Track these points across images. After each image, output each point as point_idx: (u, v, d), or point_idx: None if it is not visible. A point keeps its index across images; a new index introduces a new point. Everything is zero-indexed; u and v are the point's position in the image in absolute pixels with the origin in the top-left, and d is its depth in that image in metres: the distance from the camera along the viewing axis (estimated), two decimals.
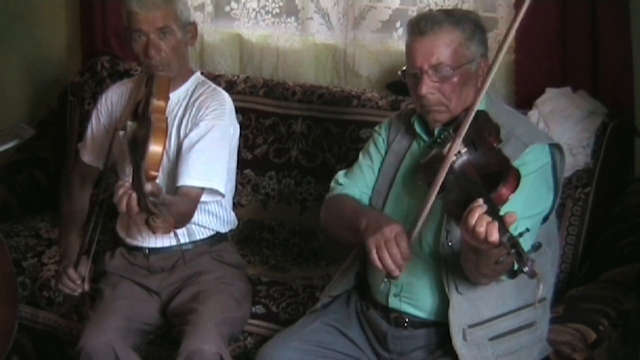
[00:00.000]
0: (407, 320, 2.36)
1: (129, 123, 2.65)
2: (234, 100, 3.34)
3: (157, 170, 2.48)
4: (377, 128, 2.58)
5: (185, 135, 2.75)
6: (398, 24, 3.42)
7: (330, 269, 3.11)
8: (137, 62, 2.84)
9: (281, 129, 3.36)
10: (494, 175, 2.06)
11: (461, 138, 2.17)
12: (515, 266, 1.92)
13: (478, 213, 1.97)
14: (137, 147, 2.53)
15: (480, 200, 1.99)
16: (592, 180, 2.90)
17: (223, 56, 3.74)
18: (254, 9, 3.64)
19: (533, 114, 2.96)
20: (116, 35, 3.81)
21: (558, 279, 2.82)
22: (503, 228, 1.93)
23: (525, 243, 1.95)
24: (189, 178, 2.68)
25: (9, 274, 2.89)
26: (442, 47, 2.28)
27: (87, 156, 2.98)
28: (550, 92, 3.02)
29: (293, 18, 3.59)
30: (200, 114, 2.77)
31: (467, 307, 2.27)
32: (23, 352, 3.14)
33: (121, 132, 2.69)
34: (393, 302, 2.37)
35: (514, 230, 1.95)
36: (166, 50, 2.73)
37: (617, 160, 2.95)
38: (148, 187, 2.31)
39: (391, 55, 3.44)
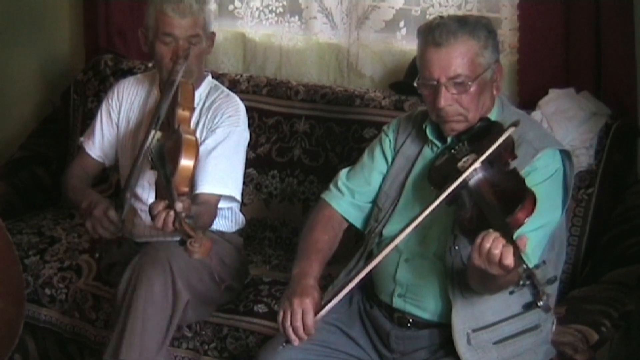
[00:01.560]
0: (410, 320, 2.36)
1: (152, 132, 2.63)
2: None
3: (188, 186, 2.44)
4: (385, 129, 2.56)
5: (202, 142, 2.74)
6: (402, 24, 3.42)
7: (332, 268, 3.08)
8: (157, 65, 2.81)
9: (284, 128, 3.36)
10: (509, 196, 2.04)
11: (482, 160, 2.15)
12: (530, 298, 1.91)
13: (494, 236, 1.96)
14: (165, 160, 2.49)
15: (491, 231, 1.97)
16: (595, 181, 2.91)
17: (226, 55, 3.74)
18: (257, 8, 3.64)
19: (536, 115, 2.97)
20: (119, 33, 3.82)
21: (560, 280, 2.82)
22: (519, 258, 1.92)
23: (543, 274, 1.93)
24: (208, 185, 2.68)
25: (16, 272, 2.89)
26: (459, 58, 2.25)
27: (95, 152, 2.98)
28: (553, 93, 3.02)
29: (296, 17, 3.59)
30: (216, 121, 2.78)
31: (472, 311, 2.26)
32: (25, 349, 3.14)
33: (147, 143, 2.64)
34: (397, 302, 2.37)
35: (529, 258, 1.94)
36: (191, 58, 2.73)
37: (620, 162, 2.95)
38: (179, 205, 2.27)
39: (394, 54, 3.44)
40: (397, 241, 2.21)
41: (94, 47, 3.88)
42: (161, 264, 2.56)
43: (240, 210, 2.98)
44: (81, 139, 3.05)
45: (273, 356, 2.42)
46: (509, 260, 1.92)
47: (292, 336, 2.25)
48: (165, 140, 2.60)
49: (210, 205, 2.68)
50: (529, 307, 1.92)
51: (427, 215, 2.18)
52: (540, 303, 1.88)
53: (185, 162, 2.44)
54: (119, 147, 2.96)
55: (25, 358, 3.16)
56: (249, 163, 3.30)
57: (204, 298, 2.75)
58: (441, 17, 2.38)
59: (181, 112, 2.63)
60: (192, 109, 2.68)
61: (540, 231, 2.18)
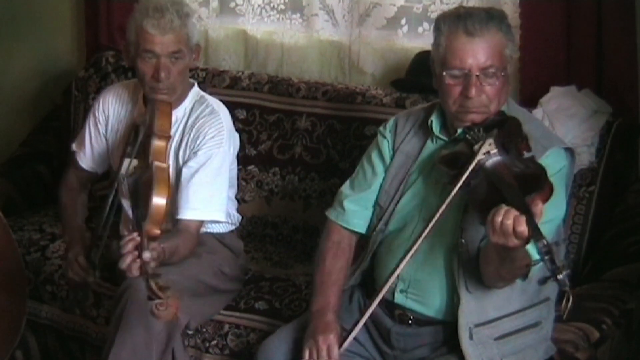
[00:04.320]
0: (411, 317, 2.36)
1: (127, 160, 2.61)
2: (238, 97, 3.36)
3: (160, 228, 2.39)
4: (381, 129, 2.55)
5: (184, 163, 2.72)
6: (403, 21, 3.42)
7: None
8: (140, 81, 2.75)
9: (285, 126, 3.35)
10: (528, 179, 2.06)
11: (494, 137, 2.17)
12: (548, 273, 1.93)
13: (505, 209, 1.98)
14: (138, 200, 2.47)
15: (504, 205, 1.99)
16: (596, 179, 2.90)
17: (228, 52, 3.74)
18: (259, 5, 3.64)
19: (537, 113, 2.96)
20: (121, 31, 3.80)
21: None
22: (536, 230, 1.94)
23: (562, 252, 1.97)
24: (189, 211, 2.67)
25: (19, 270, 2.89)
26: (491, 49, 2.25)
27: (87, 163, 2.96)
28: (554, 91, 3.02)
29: (298, 14, 3.59)
30: (198, 142, 2.73)
31: (475, 306, 2.27)
32: (26, 346, 3.14)
33: (122, 170, 2.64)
34: (399, 298, 2.37)
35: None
36: (175, 74, 2.67)
37: (621, 159, 2.95)
38: (146, 255, 2.24)
39: (396, 52, 3.44)
40: (425, 232, 2.22)
41: (95, 44, 3.88)
42: (143, 310, 2.50)
43: (237, 210, 2.98)
44: (73, 146, 3.00)
45: (273, 352, 2.44)
46: (522, 227, 1.94)
47: None
48: (140, 173, 2.57)
49: (191, 232, 2.66)
50: (544, 281, 1.95)
51: (449, 203, 2.19)
52: (560, 277, 1.90)
53: (157, 200, 2.38)
54: (110, 157, 2.94)
55: (26, 354, 3.16)
56: (249, 160, 3.33)
57: (212, 291, 2.78)
58: (464, 7, 2.39)
59: (157, 143, 2.58)
60: (169, 138, 2.63)
61: (548, 226, 2.18)
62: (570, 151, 2.34)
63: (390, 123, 2.55)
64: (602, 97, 3.00)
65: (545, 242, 1.92)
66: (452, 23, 2.28)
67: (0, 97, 4.16)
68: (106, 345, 2.61)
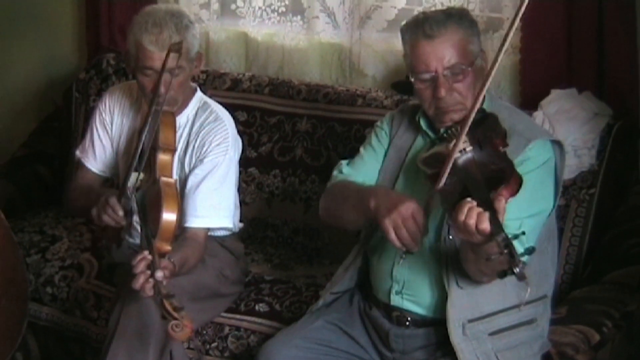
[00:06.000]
0: (408, 318, 2.37)
1: (134, 174, 2.60)
2: (238, 99, 3.36)
3: (170, 244, 2.40)
4: (378, 123, 2.57)
5: (190, 171, 2.72)
6: (404, 24, 3.42)
7: (334, 267, 3.09)
8: (140, 91, 2.73)
9: (286, 128, 3.36)
10: (495, 175, 2.07)
11: (465, 133, 2.16)
12: (506, 266, 1.92)
13: (467, 207, 1.97)
14: (147, 216, 2.46)
15: (469, 199, 1.99)
16: (597, 182, 2.90)
17: (228, 54, 3.74)
18: (259, 7, 3.64)
19: (538, 115, 2.97)
20: (122, 32, 3.81)
21: (562, 280, 2.83)
22: (497, 225, 1.93)
23: (521, 244, 1.95)
24: (197, 219, 2.66)
25: (20, 272, 2.89)
26: (453, 47, 2.28)
27: (96, 165, 2.92)
28: (555, 93, 3.02)
29: (299, 17, 3.59)
30: (204, 149, 2.71)
31: (468, 302, 2.27)
32: (26, 348, 3.14)
33: (129, 184, 2.62)
34: (395, 300, 2.38)
35: (514, 230, 1.96)
36: (175, 88, 2.62)
37: (622, 162, 2.95)
38: (159, 274, 2.24)
39: (397, 54, 3.43)
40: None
41: (96, 46, 3.89)
42: (140, 311, 2.52)
43: (241, 215, 2.97)
44: (77, 153, 2.96)
45: (274, 355, 2.44)
46: (484, 224, 1.93)
47: (412, 243, 2.19)
48: (147, 187, 2.57)
49: (198, 241, 2.66)
50: (504, 274, 1.92)
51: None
52: (516, 270, 1.88)
53: (167, 216, 2.39)
54: (117, 159, 2.93)
55: (26, 356, 3.16)
56: (250, 162, 3.33)
57: (214, 295, 2.78)
58: (424, 12, 2.43)
59: (162, 157, 2.58)
60: (174, 151, 2.63)
61: (534, 219, 2.20)
62: (558, 144, 2.34)
63: (387, 117, 2.57)
64: (602, 100, 3.00)
65: (504, 236, 1.91)
66: (413, 30, 2.33)
67: (1, 98, 4.17)
68: (104, 346, 2.61)
